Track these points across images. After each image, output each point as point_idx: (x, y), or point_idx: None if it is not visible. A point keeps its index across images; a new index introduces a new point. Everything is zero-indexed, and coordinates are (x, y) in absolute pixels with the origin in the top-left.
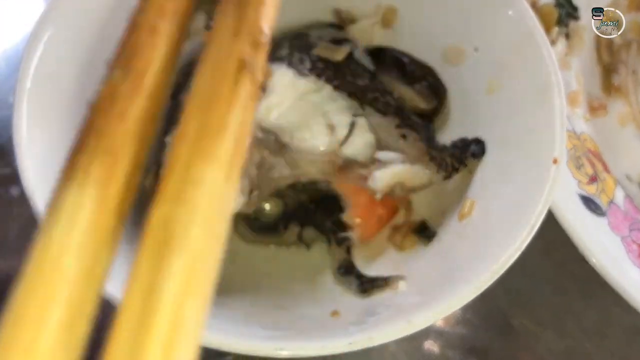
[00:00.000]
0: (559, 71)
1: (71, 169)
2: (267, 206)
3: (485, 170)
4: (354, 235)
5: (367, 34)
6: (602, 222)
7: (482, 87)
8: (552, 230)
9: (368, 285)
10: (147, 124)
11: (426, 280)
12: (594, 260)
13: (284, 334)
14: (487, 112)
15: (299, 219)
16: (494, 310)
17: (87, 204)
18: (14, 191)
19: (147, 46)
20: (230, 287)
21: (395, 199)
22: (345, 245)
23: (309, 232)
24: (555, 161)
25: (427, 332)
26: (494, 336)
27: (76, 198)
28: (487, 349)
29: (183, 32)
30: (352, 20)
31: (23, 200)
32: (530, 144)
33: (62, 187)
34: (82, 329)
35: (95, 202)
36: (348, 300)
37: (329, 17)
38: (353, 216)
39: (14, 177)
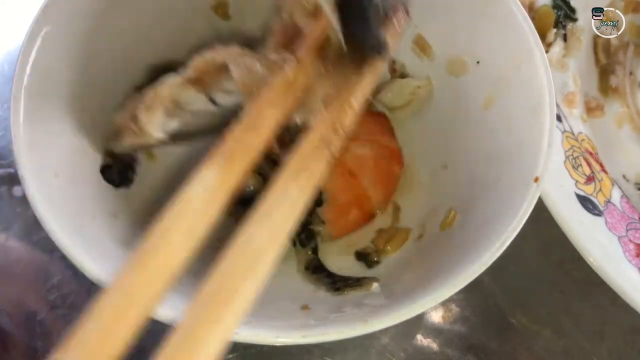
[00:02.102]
0: (558, 74)
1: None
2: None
3: (472, 184)
4: (323, 230)
5: None
6: (599, 221)
7: (480, 100)
8: (550, 230)
9: (341, 284)
10: None
11: (397, 284)
12: (591, 260)
13: (246, 320)
14: (481, 126)
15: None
16: (493, 309)
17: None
18: (17, 191)
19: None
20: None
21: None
22: (310, 246)
23: None
24: (536, 180)
25: (426, 330)
26: (492, 334)
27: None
28: (485, 347)
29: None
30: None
31: (26, 200)
32: (516, 161)
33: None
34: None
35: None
36: (321, 296)
37: None
38: (327, 212)
39: (17, 177)
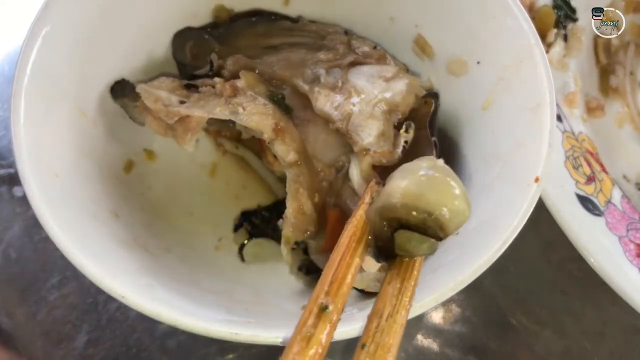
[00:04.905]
0: (558, 74)
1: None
2: None
3: (472, 185)
4: (313, 243)
5: None
6: (599, 221)
7: (480, 100)
8: (550, 231)
9: None
10: None
11: None
12: (592, 260)
13: (246, 320)
14: (481, 126)
15: (251, 225)
16: (493, 309)
17: None
18: (18, 191)
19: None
20: (214, 271)
21: None
22: (300, 247)
23: (258, 243)
24: (537, 180)
25: (427, 330)
26: (493, 335)
27: None
28: (486, 347)
29: None
30: None
31: (26, 200)
32: (516, 161)
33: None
34: None
35: None
36: None
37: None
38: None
39: (17, 178)
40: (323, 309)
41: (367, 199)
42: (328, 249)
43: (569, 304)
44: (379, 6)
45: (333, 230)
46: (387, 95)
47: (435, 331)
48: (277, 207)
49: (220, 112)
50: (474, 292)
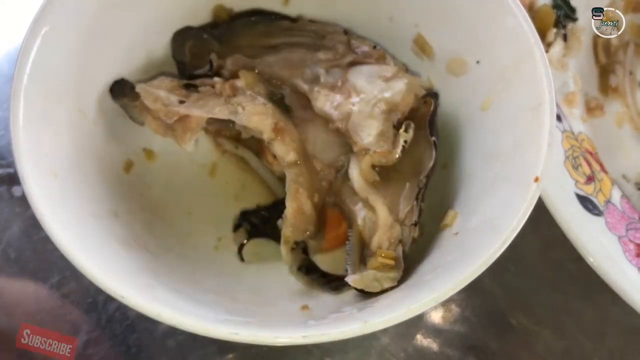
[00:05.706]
0: (558, 74)
1: None
2: None
3: (472, 184)
4: (313, 243)
5: None
6: (599, 221)
7: (480, 100)
8: (550, 230)
9: (338, 283)
10: None
11: (397, 284)
12: (591, 260)
13: (246, 320)
14: (481, 126)
15: (250, 225)
16: (493, 309)
17: None
18: (17, 191)
19: None
20: (214, 271)
21: None
22: (300, 247)
23: (258, 242)
24: (536, 180)
25: (426, 330)
26: (493, 335)
27: None
28: (485, 347)
29: None
30: None
31: (26, 200)
32: (516, 161)
33: None
34: None
35: None
36: (321, 296)
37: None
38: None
39: (17, 177)
40: None
41: None
42: (328, 249)
43: (569, 304)
44: (379, 6)
45: (332, 230)
46: (387, 95)
47: (435, 331)
48: (277, 207)
49: (220, 112)
50: (473, 292)
